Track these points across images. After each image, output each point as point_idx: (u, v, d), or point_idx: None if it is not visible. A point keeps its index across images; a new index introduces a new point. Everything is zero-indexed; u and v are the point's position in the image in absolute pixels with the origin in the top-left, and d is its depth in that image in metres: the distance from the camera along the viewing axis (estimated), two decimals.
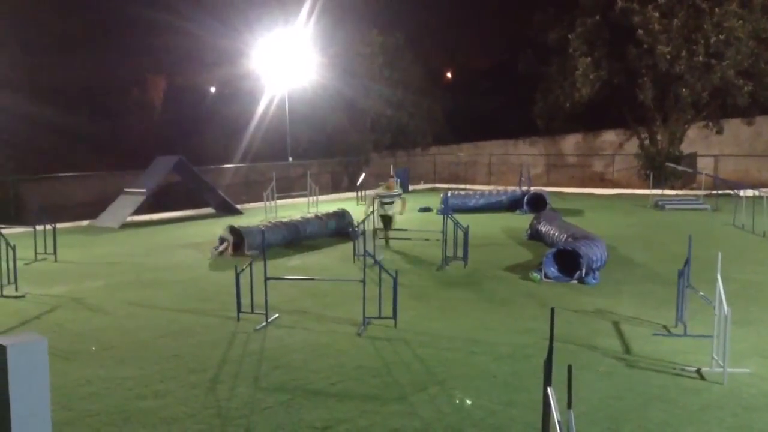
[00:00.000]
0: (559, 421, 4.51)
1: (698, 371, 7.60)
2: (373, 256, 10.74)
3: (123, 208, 21.51)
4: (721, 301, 7.40)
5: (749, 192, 21.17)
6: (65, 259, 15.23)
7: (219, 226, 18.92)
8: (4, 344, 4.49)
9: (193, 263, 14.75)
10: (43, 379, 4.61)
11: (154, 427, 6.25)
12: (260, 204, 23.78)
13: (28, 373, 4.52)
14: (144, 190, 21.81)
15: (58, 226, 16.40)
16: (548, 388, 5.21)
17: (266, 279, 9.82)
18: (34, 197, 22.08)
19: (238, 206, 24.62)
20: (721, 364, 7.39)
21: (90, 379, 7.57)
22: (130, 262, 15.08)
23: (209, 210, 24.67)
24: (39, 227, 15.99)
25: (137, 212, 22.02)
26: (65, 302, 11.26)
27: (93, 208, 22.07)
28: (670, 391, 7.11)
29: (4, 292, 11.72)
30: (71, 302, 11.27)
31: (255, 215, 22.07)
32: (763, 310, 10.22)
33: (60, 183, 24.58)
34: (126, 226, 20.86)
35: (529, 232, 17.54)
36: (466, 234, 14.14)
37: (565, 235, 14.47)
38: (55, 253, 15.32)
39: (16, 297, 11.59)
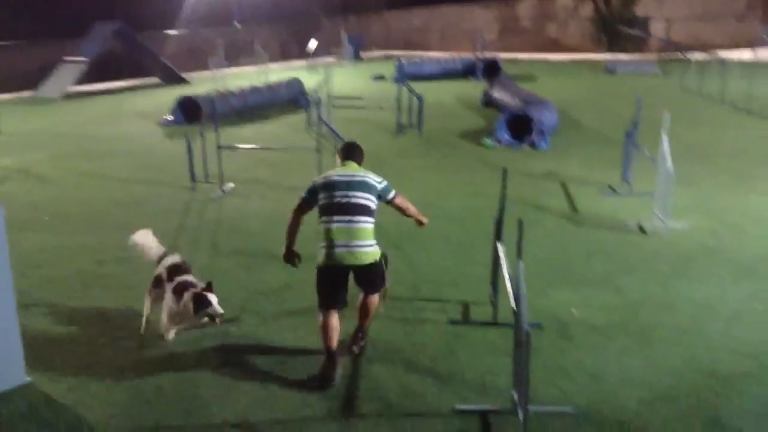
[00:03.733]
0: (508, 273, 4.74)
1: (640, 227, 7.98)
2: (328, 124, 10.68)
3: (64, 78, 20.65)
4: (664, 159, 7.66)
5: (699, 55, 21.35)
6: (7, 130, 14.72)
7: (165, 96, 18.41)
8: None
9: (141, 133, 14.45)
10: (1, 246, 4.60)
11: (115, 291, 6.36)
12: (207, 73, 23.07)
13: None
14: (85, 59, 20.86)
15: None
16: (498, 243, 5.45)
17: (219, 147, 9.74)
18: None
19: (184, 75, 23.84)
20: (662, 219, 7.77)
21: (46, 247, 7.57)
22: (75, 132, 14.68)
23: (154, 80, 23.84)
24: None
25: (79, 82, 21.16)
26: (12, 174, 11.03)
27: (34, 78, 21.08)
28: (613, 245, 7.49)
29: None
30: (18, 174, 11.04)
31: (202, 85, 21.44)
32: (706, 169, 10.63)
33: None
34: (69, 96, 20.10)
35: (483, 98, 17.55)
36: (420, 102, 14.09)
37: (518, 101, 14.54)
38: None
39: None
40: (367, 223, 4.78)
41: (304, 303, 5.99)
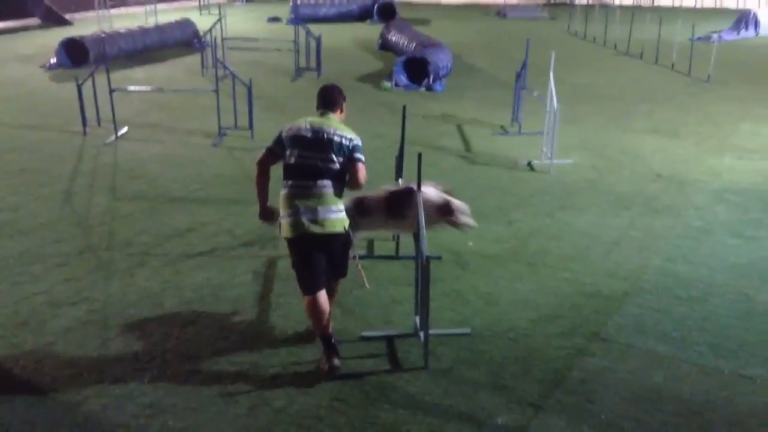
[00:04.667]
0: None
1: (529, 164, 8.46)
2: (226, 66, 10.51)
3: None
4: (551, 99, 8.11)
5: (581, 1, 22.20)
6: None
7: (47, 38, 17.39)
8: None
9: (25, 78, 13.67)
10: None
11: (11, 238, 6.18)
12: (91, 14, 21.86)
13: None
14: None
15: None
16: (399, 179, 5.70)
17: (111, 90, 9.42)
18: None
19: (66, 16, 22.48)
20: (549, 156, 8.26)
21: None
22: None
23: (34, 20, 22.35)
24: None
25: None
26: None
27: None
28: (504, 181, 7.93)
29: None
30: None
31: (87, 26, 20.30)
32: (589, 108, 11.28)
33: None
34: None
35: (380, 42, 17.62)
36: (318, 44, 14.02)
37: (414, 44, 14.73)
38: None
39: None
40: (333, 188, 4.21)
41: (209, 244, 6.08)
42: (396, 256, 5.85)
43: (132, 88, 11.06)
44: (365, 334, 4.67)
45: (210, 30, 14.30)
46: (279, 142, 4.32)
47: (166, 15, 22.15)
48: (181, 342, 4.57)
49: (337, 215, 4.21)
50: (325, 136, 4.20)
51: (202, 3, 26.05)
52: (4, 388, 4.10)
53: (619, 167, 8.44)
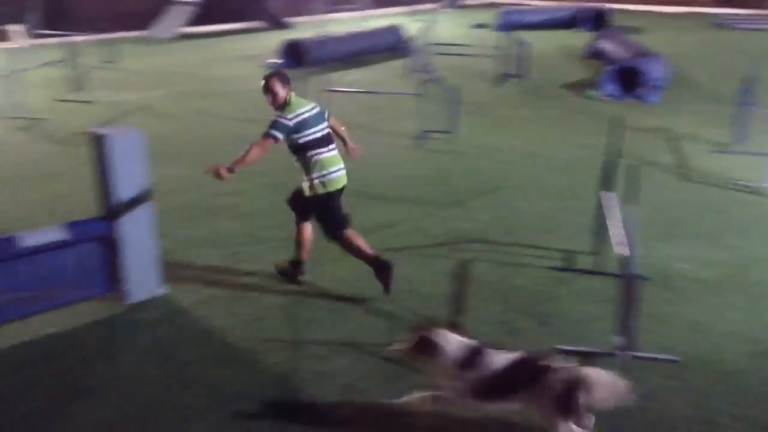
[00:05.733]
0: (622, 221, 4.77)
1: (754, 186, 7.73)
2: (430, 71, 10.74)
3: (175, 19, 21.33)
4: None
5: None
6: (124, 68, 15.53)
7: (268, 40, 18.81)
8: (105, 133, 4.86)
9: (249, 75, 14.86)
10: (142, 166, 5.02)
11: (237, 218, 6.84)
12: (307, 18, 23.33)
13: (128, 160, 4.92)
14: (195, 0, 21.48)
15: (111, 36, 16.56)
16: (607, 192, 5.46)
17: (325, 90, 9.99)
18: (82, 5, 21.77)
19: (286, 20, 24.18)
20: None
21: (169, 177, 8.05)
22: (188, 72, 15.31)
23: (256, 23, 24.31)
24: (93, 36, 16.17)
25: (188, 24, 21.85)
26: (133, 109, 11.68)
27: (142, 19, 21.84)
28: (723, 203, 7.32)
29: (70, 98, 12.20)
30: (139, 110, 11.68)
31: (304, 30, 21.71)
32: None
33: None
34: (179, 37, 20.84)
35: (589, 49, 17.05)
36: (525, 51, 13.87)
37: (626, 53, 14.07)
38: (113, 62, 15.60)
39: (84, 102, 12.02)
40: None
41: (403, 242, 6.26)
42: (598, 272, 5.62)
43: (348, 89, 11.61)
44: (560, 347, 4.54)
45: (417, 35, 14.67)
46: (287, 131, 5.05)
47: (377, 20, 23.08)
48: (377, 331, 4.74)
49: None
50: (317, 109, 5.20)
51: (411, 9, 26.83)
52: (220, 354, 4.51)
53: None
